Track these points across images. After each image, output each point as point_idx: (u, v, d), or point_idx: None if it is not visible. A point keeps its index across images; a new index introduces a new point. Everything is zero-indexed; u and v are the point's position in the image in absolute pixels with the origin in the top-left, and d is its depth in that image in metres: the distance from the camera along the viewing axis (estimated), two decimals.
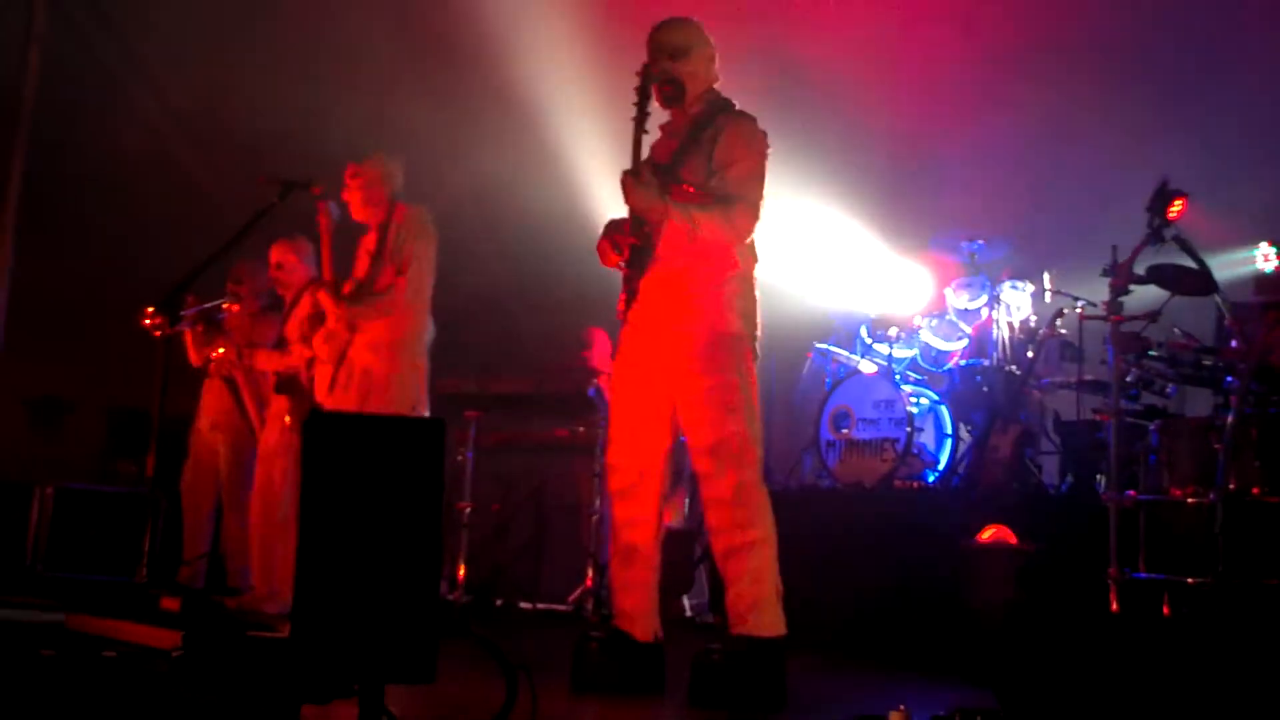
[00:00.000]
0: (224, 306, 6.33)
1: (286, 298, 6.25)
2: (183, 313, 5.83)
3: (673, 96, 3.95)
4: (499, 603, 6.93)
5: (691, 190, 3.86)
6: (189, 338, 6.53)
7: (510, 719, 2.52)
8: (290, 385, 5.92)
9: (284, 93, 8.48)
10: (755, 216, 3.94)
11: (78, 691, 3.00)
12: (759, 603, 3.78)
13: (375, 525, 2.32)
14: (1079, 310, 6.75)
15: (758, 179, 3.94)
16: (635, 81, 3.92)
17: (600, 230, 4.17)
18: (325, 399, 5.04)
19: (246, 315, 6.50)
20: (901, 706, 3.00)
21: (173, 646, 3.57)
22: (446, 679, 2.45)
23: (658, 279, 3.96)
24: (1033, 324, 7.02)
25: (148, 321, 5.81)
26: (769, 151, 3.99)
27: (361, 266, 5.19)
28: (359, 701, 2.34)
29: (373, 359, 5.01)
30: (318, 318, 5.81)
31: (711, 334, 3.89)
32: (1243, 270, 6.55)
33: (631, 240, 3.92)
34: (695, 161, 3.93)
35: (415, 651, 2.30)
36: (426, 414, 6.33)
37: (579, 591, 6.76)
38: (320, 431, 2.34)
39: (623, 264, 4.02)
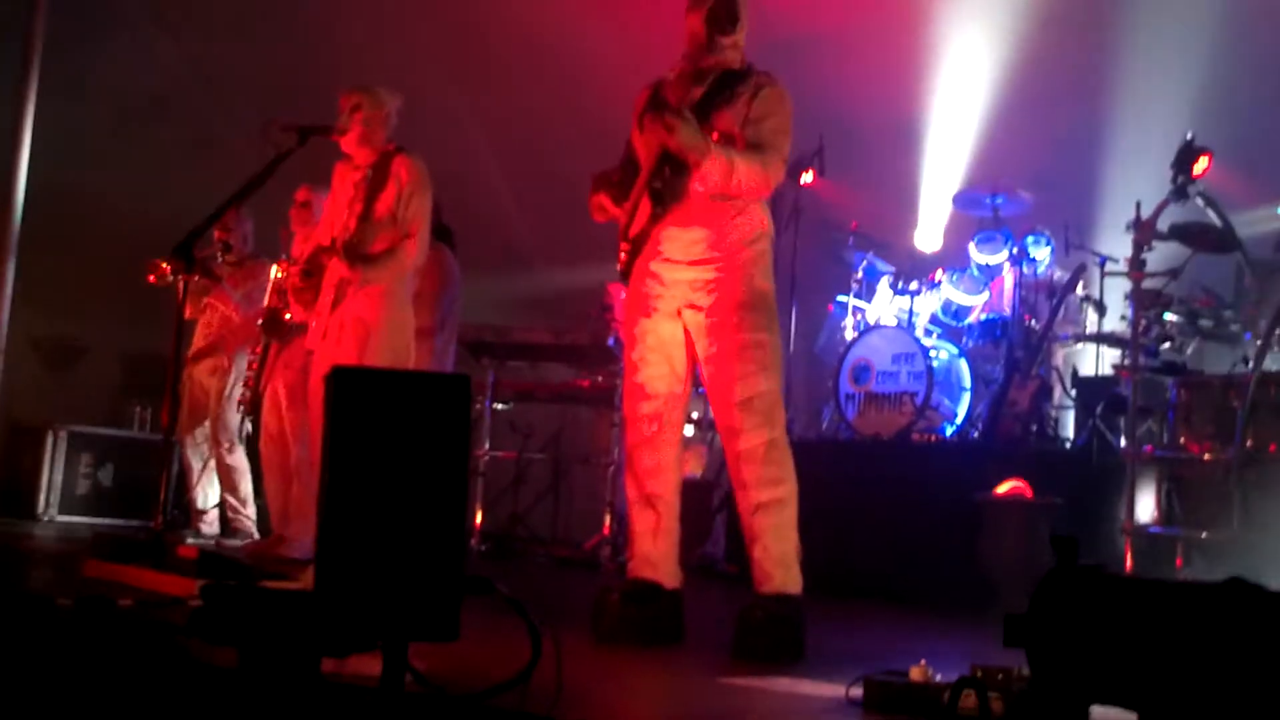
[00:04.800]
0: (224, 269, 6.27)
1: (302, 235, 6.19)
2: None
3: (727, 22, 3.87)
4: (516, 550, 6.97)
5: (716, 137, 3.82)
6: (181, 288, 6.51)
7: (535, 677, 2.51)
8: (274, 325, 5.96)
9: (300, 33, 8.39)
10: (784, 170, 3.97)
11: (95, 641, 3.00)
12: (785, 560, 3.80)
13: (400, 481, 2.30)
14: (1101, 266, 6.72)
15: (788, 135, 3.95)
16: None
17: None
18: (318, 346, 4.98)
19: (234, 263, 6.52)
20: (922, 661, 3.00)
21: (189, 595, 3.58)
22: (469, 635, 2.44)
23: (685, 230, 3.92)
24: (1054, 278, 6.97)
25: (153, 278, 5.81)
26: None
27: (350, 205, 5.00)
28: (383, 659, 2.33)
29: (367, 307, 4.91)
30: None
31: (748, 290, 3.88)
32: (1263, 228, 6.50)
33: (655, 185, 3.88)
34: (729, 113, 3.87)
35: (439, 609, 2.28)
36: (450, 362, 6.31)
37: (596, 539, 6.78)
38: (345, 387, 2.31)
39: (626, 216, 4.00)
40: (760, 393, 3.82)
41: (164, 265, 5.98)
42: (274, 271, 6.12)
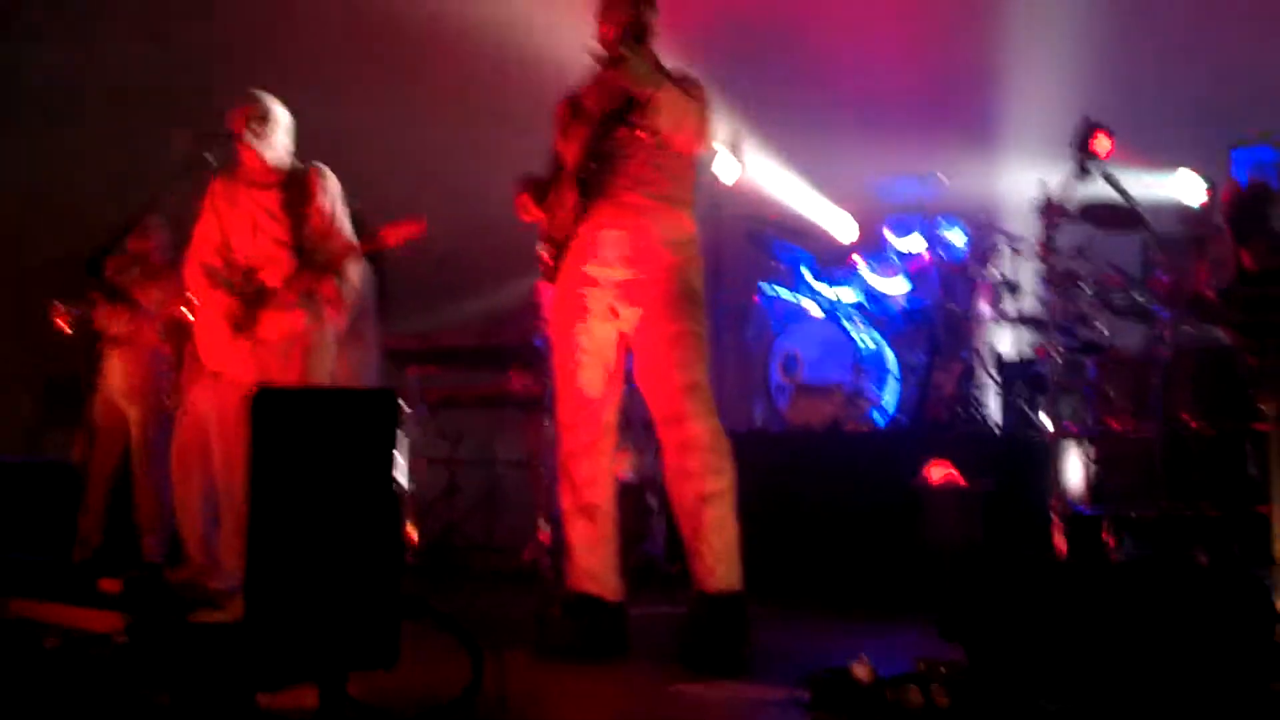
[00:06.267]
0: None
1: None
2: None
3: (625, 39, 3.88)
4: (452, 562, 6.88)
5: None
6: (96, 311, 6.35)
7: (478, 698, 2.47)
8: (177, 330, 5.83)
9: (217, 34, 8.24)
10: (712, 131, 4.00)
11: (23, 684, 2.91)
12: (728, 554, 3.81)
13: (329, 504, 2.25)
14: (1013, 247, 6.81)
15: (711, 108, 3.97)
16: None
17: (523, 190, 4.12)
18: (237, 369, 4.85)
19: (150, 274, 6.34)
20: (863, 656, 3.00)
21: (114, 630, 3.48)
22: (407, 656, 2.39)
23: (613, 231, 3.92)
24: (969, 261, 7.04)
25: (61, 321, 5.68)
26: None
27: (267, 227, 4.84)
28: (319, 692, 2.28)
29: (303, 322, 4.80)
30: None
31: (680, 286, 3.92)
32: (1159, 194, 6.63)
33: (581, 176, 3.87)
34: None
35: (376, 636, 2.24)
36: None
37: (533, 547, 6.71)
38: (268, 407, 2.25)
39: (549, 215, 4.00)
40: (700, 380, 3.86)
41: (62, 311, 5.91)
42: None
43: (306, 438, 2.30)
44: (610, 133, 3.88)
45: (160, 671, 2.57)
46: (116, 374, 6.39)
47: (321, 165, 4.94)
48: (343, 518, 2.30)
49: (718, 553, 3.79)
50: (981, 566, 2.46)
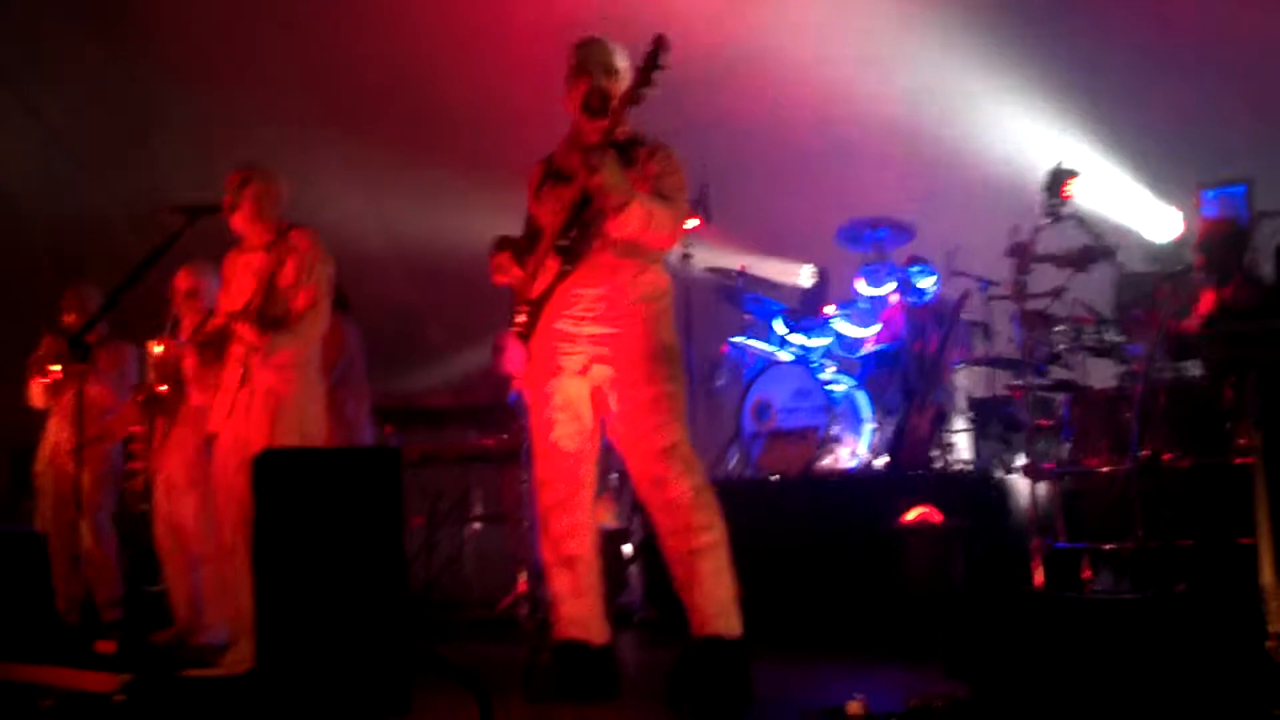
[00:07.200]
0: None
1: (190, 324, 5.99)
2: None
3: (599, 110, 3.94)
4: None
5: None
6: (37, 382, 6.33)
7: None
8: (154, 401, 5.79)
9: (176, 109, 8.28)
10: (684, 224, 4.09)
11: None
12: (724, 605, 3.82)
13: (337, 559, 2.27)
14: (984, 291, 6.91)
15: (686, 193, 4.07)
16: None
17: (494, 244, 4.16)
18: (223, 424, 4.83)
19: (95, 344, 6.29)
20: (858, 695, 3.04)
21: (111, 690, 3.46)
22: (416, 706, 2.41)
23: (589, 289, 3.95)
24: (941, 305, 7.14)
25: (44, 380, 5.67)
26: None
27: (249, 287, 4.91)
28: None
29: (276, 380, 4.81)
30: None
31: (655, 343, 3.94)
32: (1131, 228, 6.78)
33: (562, 243, 3.92)
34: (632, 173, 3.92)
35: (389, 686, 2.26)
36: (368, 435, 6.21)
37: (511, 598, 6.71)
38: (272, 469, 2.28)
39: (529, 277, 4.04)
40: (679, 440, 3.86)
41: (55, 369, 5.88)
42: (155, 349, 5.93)
43: (311, 498, 2.34)
44: (590, 201, 3.90)
45: None
46: (65, 438, 6.31)
47: (306, 229, 4.94)
48: (352, 572, 2.32)
49: (715, 604, 3.80)
50: (981, 603, 2.50)
